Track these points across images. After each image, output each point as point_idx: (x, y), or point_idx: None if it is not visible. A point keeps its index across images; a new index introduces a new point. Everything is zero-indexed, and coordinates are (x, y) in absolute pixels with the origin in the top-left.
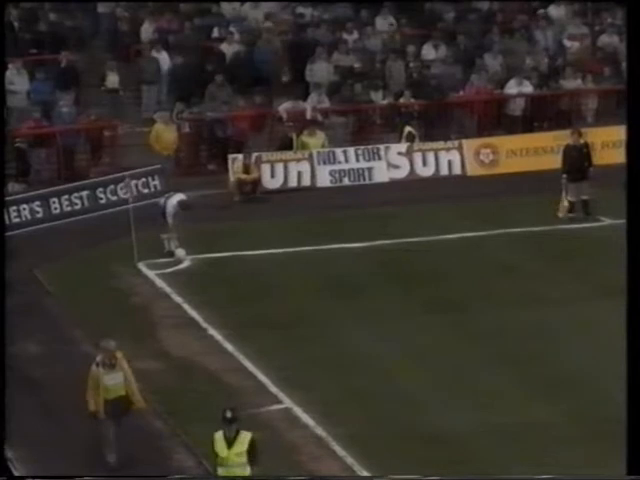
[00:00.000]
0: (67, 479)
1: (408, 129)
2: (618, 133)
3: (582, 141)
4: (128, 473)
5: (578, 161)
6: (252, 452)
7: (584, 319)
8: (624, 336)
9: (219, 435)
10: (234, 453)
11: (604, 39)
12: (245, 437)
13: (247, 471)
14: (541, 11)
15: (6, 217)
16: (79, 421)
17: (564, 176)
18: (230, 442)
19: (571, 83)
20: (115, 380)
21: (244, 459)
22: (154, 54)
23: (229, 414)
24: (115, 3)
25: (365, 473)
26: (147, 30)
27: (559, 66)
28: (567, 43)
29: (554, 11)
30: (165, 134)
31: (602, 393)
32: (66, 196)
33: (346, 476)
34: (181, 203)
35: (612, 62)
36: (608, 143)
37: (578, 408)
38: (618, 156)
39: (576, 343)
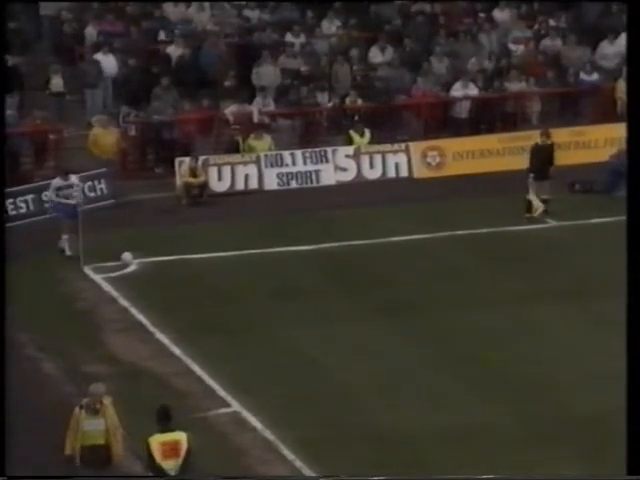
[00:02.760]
0: (66, 479)
1: (350, 132)
2: (562, 135)
3: (549, 141)
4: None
5: (544, 161)
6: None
7: (530, 321)
8: (569, 337)
9: None
10: None
11: (546, 42)
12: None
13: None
14: (482, 15)
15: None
16: (22, 424)
17: (531, 175)
18: None
19: (515, 86)
20: (94, 427)
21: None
22: (100, 57)
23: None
24: (59, 6)
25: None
26: (90, 33)
27: (504, 69)
28: (512, 46)
29: (499, 14)
30: (103, 138)
31: (548, 394)
32: (11, 200)
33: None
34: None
35: (555, 65)
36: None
37: (524, 409)
38: (563, 158)
39: (522, 345)
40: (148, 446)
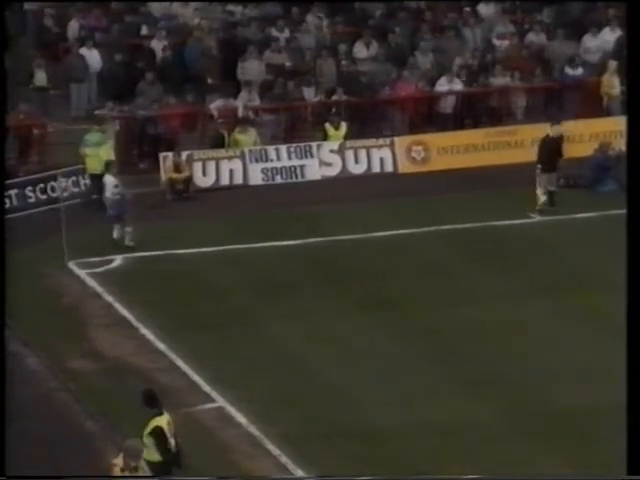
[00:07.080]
0: (66, 479)
1: (325, 125)
2: (546, 129)
3: (560, 134)
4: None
5: (553, 153)
6: (156, 439)
7: (515, 317)
8: (554, 332)
9: None
10: (144, 435)
11: (531, 37)
12: (152, 423)
13: (152, 456)
14: (467, 10)
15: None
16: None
17: (539, 167)
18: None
19: (500, 81)
20: None
21: (150, 442)
22: (84, 52)
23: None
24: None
25: (299, 472)
26: (74, 28)
27: (488, 64)
28: (496, 42)
29: (483, 9)
30: None
31: (533, 391)
32: None
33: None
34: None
35: (539, 60)
36: (538, 140)
37: (509, 406)
38: None
39: (507, 341)
40: (162, 430)
